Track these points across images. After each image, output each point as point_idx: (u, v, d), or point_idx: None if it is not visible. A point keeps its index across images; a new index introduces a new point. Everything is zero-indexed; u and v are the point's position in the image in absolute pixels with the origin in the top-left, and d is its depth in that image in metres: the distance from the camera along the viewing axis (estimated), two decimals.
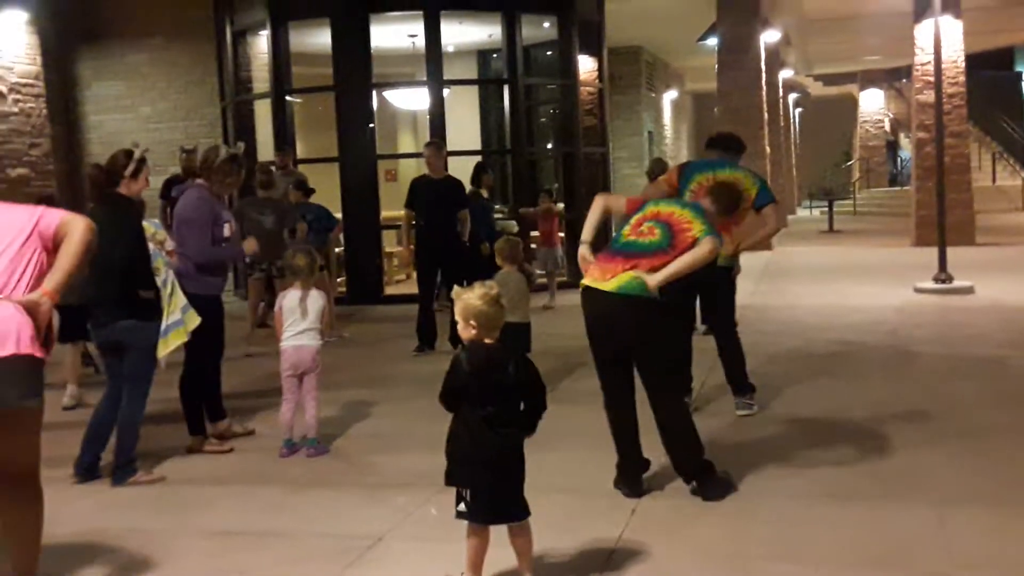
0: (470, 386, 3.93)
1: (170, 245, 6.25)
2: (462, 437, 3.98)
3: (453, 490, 4.04)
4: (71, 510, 5.20)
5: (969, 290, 12.30)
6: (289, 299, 6.30)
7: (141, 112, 16.16)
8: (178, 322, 5.95)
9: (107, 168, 5.80)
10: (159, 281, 5.85)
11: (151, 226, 6.13)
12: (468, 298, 3.97)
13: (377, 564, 4.48)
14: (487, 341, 3.98)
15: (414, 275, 15.76)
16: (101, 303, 5.65)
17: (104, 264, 5.23)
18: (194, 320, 6.01)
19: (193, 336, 6.05)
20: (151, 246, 5.91)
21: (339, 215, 14.01)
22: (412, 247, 9.76)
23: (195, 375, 6.45)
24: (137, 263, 5.69)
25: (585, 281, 5.23)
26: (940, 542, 4.45)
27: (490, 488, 3.96)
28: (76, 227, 3.96)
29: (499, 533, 4.03)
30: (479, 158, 16.85)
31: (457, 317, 4.03)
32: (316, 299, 6.32)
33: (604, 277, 5.11)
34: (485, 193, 11.26)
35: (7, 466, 3.84)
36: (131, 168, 5.80)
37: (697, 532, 4.73)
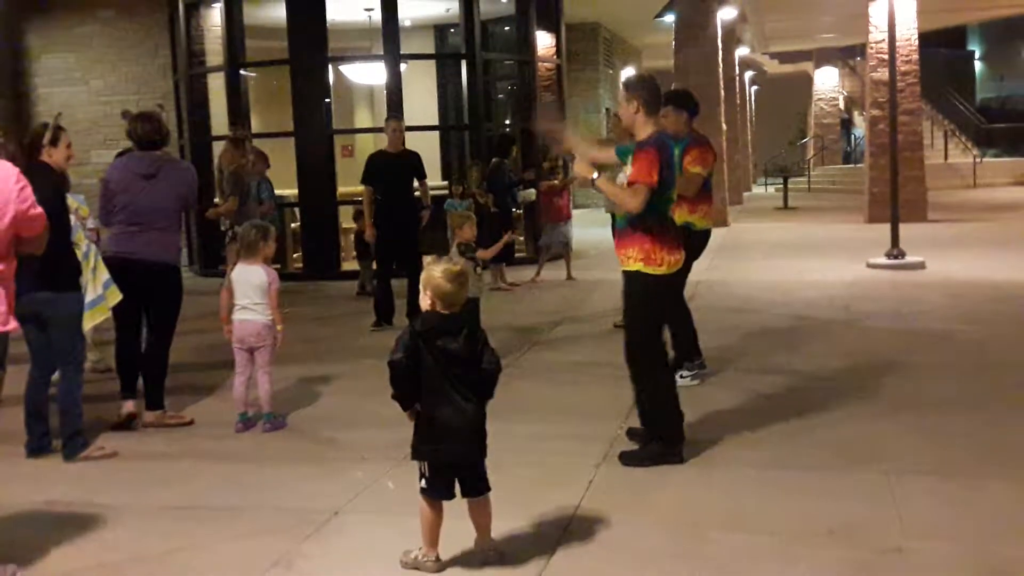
0: (420, 353, 3.90)
1: (92, 222, 6.19)
2: (424, 413, 3.96)
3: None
4: (21, 484, 5.14)
5: (920, 265, 12.47)
6: (236, 273, 6.26)
7: (92, 85, 15.92)
8: (100, 298, 5.92)
9: (29, 139, 5.76)
10: (80, 254, 5.77)
11: (75, 200, 6.07)
12: (432, 271, 3.97)
13: (334, 537, 4.47)
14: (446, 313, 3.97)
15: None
16: (19, 273, 5.49)
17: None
18: (115, 296, 6.00)
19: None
20: (72, 219, 5.83)
21: (295, 191, 13.94)
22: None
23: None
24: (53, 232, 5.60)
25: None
26: (892, 513, 4.51)
27: (451, 464, 3.96)
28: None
29: (457, 506, 4.03)
30: (436, 134, 16.89)
31: (421, 285, 4.03)
32: (260, 274, 6.25)
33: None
34: (511, 164, 11.48)
35: None
36: (48, 136, 5.73)
37: (653, 501, 4.76)
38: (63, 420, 5.65)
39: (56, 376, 5.74)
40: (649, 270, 5.26)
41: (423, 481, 3.97)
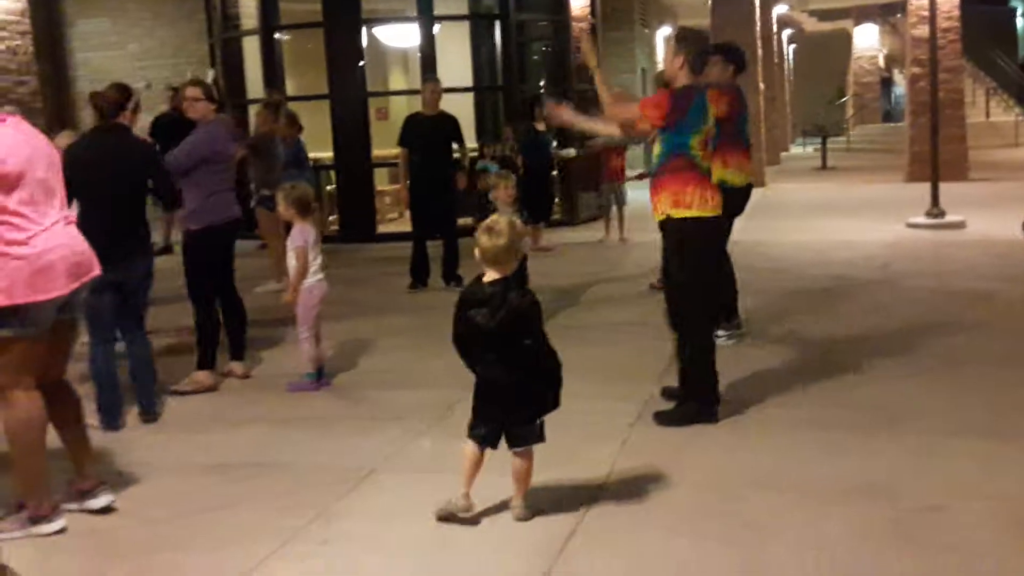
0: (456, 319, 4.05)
1: None
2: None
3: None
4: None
5: (961, 225, 12.32)
6: (312, 236, 6.26)
7: (128, 49, 16.01)
8: None
9: (112, 98, 5.72)
10: None
11: None
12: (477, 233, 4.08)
13: (370, 494, 4.53)
14: (494, 276, 4.03)
15: (407, 213, 15.84)
16: (118, 238, 5.45)
17: (117, 195, 5.47)
18: None
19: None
20: None
21: (330, 153, 13.97)
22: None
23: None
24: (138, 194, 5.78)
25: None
26: (929, 472, 4.50)
27: (497, 416, 4.09)
28: None
29: (499, 461, 4.08)
30: (471, 96, 16.82)
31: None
32: (315, 234, 6.33)
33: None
34: (541, 126, 11.46)
35: None
36: (132, 104, 5.81)
37: (687, 461, 4.78)
38: (146, 384, 5.76)
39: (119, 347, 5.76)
40: (679, 213, 5.28)
41: (480, 428, 4.09)
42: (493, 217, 4.19)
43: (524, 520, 4.10)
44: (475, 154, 12.86)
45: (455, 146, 9.83)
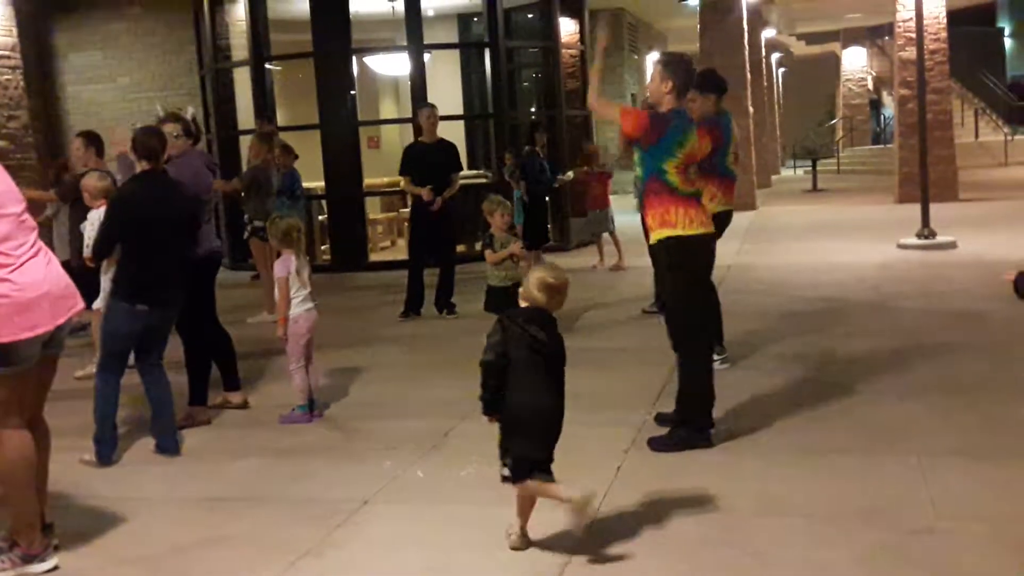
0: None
1: None
2: None
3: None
4: (65, 477, 5.19)
5: (952, 245, 12.35)
6: (294, 266, 6.25)
7: (119, 82, 16.03)
8: None
9: (160, 144, 5.83)
10: None
11: None
12: (526, 281, 4.08)
13: (364, 526, 4.49)
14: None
15: (399, 242, 15.85)
16: (173, 276, 5.66)
17: (171, 238, 5.63)
18: None
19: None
20: None
21: (322, 183, 13.99)
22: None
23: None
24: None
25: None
26: (924, 495, 4.48)
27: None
28: None
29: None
30: (461, 123, 16.89)
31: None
32: (307, 265, 6.33)
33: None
34: (540, 152, 11.78)
35: None
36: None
37: (682, 487, 4.75)
38: (166, 414, 5.75)
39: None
40: (666, 232, 5.31)
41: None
42: (553, 277, 4.10)
43: (518, 548, 4.07)
44: (475, 180, 12.99)
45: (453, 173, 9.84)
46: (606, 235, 12.49)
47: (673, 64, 5.45)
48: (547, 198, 12.59)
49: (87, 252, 6.22)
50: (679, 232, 5.29)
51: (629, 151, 5.60)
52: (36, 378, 4.19)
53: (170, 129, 6.36)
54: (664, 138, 5.27)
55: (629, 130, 5.41)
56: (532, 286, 4.05)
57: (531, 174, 11.68)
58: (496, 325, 4.04)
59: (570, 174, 13.19)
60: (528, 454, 3.98)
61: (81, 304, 4.35)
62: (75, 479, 5.26)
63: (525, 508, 4.09)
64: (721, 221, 7.02)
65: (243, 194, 10.19)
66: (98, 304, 6.87)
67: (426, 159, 9.61)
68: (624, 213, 12.98)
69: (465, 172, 12.34)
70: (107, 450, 5.56)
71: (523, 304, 4.08)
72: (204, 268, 6.41)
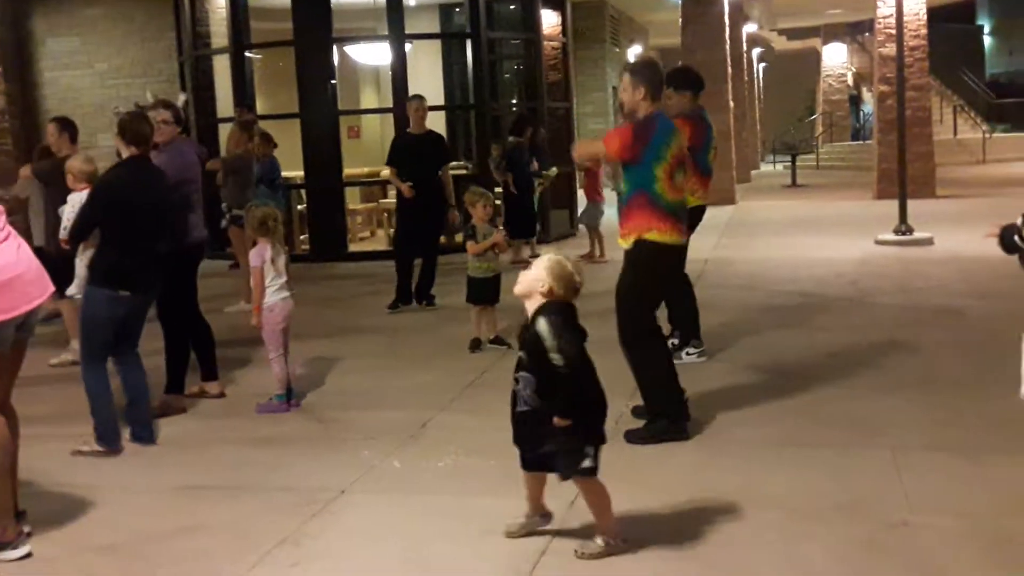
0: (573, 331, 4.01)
1: None
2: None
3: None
4: (49, 463, 5.15)
5: (929, 241, 12.43)
6: (269, 254, 6.20)
7: (97, 68, 15.90)
8: None
9: (149, 130, 5.82)
10: None
11: None
12: (547, 274, 3.92)
13: (340, 516, 4.48)
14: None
15: (378, 232, 15.81)
16: (160, 258, 5.66)
17: (156, 223, 5.60)
18: None
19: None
20: None
21: (301, 172, 13.94)
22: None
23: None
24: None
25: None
26: (899, 489, 4.51)
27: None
28: None
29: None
30: (443, 114, 16.85)
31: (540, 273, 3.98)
32: (283, 254, 6.29)
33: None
34: (540, 141, 12.05)
35: None
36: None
37: (658, 479, 4.76)
38: (142, 406, 5.69)
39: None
40: (645, 235, 5.32)
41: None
42: (558, 261, 3.98)
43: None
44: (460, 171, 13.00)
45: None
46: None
47: (639, 70, 5.43)
48: (533, 189, 12.59)
49: (63, 234, 6.17)
50: (655, 237, 5.31)
51: (619, 172, 5.53)
52: (6, 363, 4.16)
53: (161, 116, 6.32)
54: (651, 143, 5.26)
55: (617, 152, 5.32)
56: (556, 281, 3.89)
57: (517, 165, 11.69)
58: (557, 319, 3.88)
59: (554, 170, 13.13)
60: (601, 443, 4.00)
61: (52, 287, 4.31)
62: (47, 467, 5.21)
63: (540, 494, 4.09)
64: (695, 216, 7.04)
65: (221, 182, 10.13)
66: (72, 290, 6.81)
67: (414, 151, 9.57)
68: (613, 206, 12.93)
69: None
70: (113, 441, 5.49)
71: (538, 298, 3.93)
72: (189, 257, 6.37)
